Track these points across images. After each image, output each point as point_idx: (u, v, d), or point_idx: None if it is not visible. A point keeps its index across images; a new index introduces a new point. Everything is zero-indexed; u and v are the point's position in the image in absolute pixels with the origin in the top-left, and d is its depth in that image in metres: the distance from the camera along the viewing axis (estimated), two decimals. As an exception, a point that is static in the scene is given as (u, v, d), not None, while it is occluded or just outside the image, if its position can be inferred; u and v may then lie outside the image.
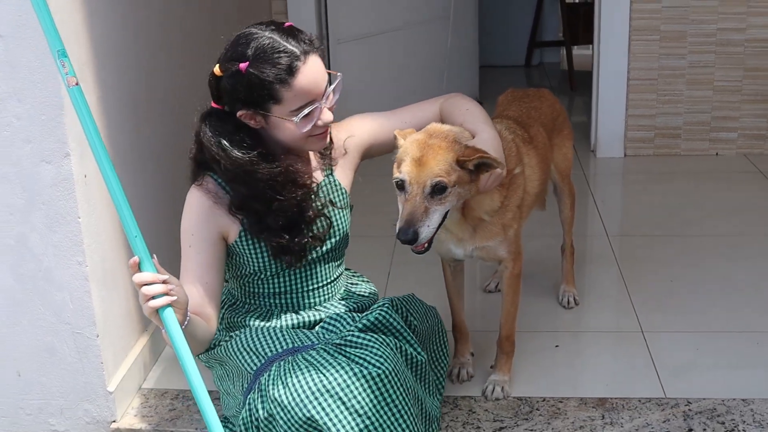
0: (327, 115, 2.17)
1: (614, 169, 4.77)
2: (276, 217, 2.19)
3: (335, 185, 2.39)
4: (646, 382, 2.63)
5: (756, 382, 2.62)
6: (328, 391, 2.00)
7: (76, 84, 1.79)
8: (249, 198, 2.17)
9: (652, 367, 2.71)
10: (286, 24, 2.17)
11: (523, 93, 2.92)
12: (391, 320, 2.24)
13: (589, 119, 5.03)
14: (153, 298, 1.89)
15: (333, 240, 2.37)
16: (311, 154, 2.36)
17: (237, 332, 2.30)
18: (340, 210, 2.38)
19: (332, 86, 2.19)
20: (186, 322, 2.00)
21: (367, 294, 2.55)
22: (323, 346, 2.13)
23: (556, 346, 2.88)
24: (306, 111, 2.12)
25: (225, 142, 2.13)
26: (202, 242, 2.20)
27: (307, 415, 1.98)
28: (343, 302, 2.45)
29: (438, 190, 2.14)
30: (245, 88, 2.09)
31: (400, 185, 2.18)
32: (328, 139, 2.30)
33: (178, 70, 3.11)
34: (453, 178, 2.15)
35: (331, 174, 2.39)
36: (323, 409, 1.99)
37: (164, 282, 1.90)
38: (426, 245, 2.18)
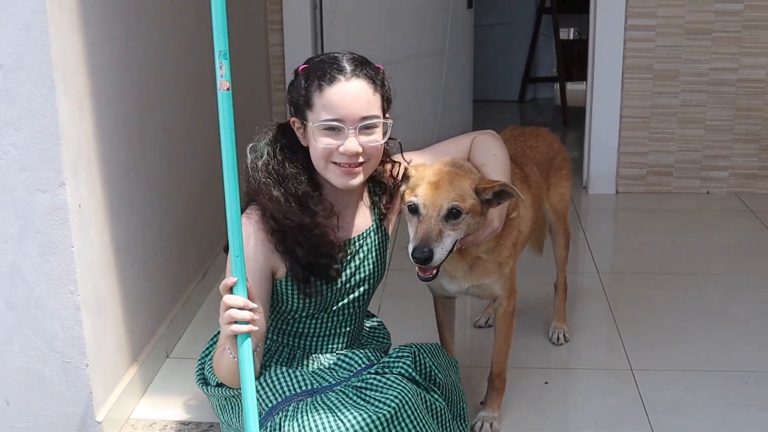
0: (351, 143, 2.05)
1: (606, 206, 4.80)
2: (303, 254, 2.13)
3: (382, 231, 2.33)
4: (636, 421, 2.63)
5: (746, 421, 2.63)
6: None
7: (228, 89, 1.75)
8: (278, 226, 2.11)
9: (641, 406, 2.71)
10: (377, 65, 2.20)
11: (520, 131, 2.94)
12: (410, 372, 2.17)
13: (582, 155, 5.07)
14: (236, 322, 1.88)
15: (365, 287, 2.32)
16: (366, 200, 2.31)
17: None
18: (381, 256, 2.33)
19: (370, 121, 2.10)
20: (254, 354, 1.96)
21: (375, 325, 2.53)
22: (342, 388, 2.10)
23: (546, 382, 2.88)
24: (327, 124, 2.05)
25: (267, 146, 2.14)
26: (256, 272, 2.10)
27: None
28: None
29: (453, 214, 2.14)
30: (296, 90, 2.11)
31: (414, 209, 2.18)
32: (357, 181, 2.13)
33: (174, 100, 3.13)
34: (468, 205, 2.16)
35: (379, 220, 2.33)
36: None
37: (251, 310, 1.89)
38: (435, 271, 2.17)
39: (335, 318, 2.30)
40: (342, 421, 1.97)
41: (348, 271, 2.25)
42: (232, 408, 2.24)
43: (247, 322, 1.88)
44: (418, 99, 5.65)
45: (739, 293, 3.56)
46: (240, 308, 1.87)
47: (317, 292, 2.20)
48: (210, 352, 2.36)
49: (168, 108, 3.07)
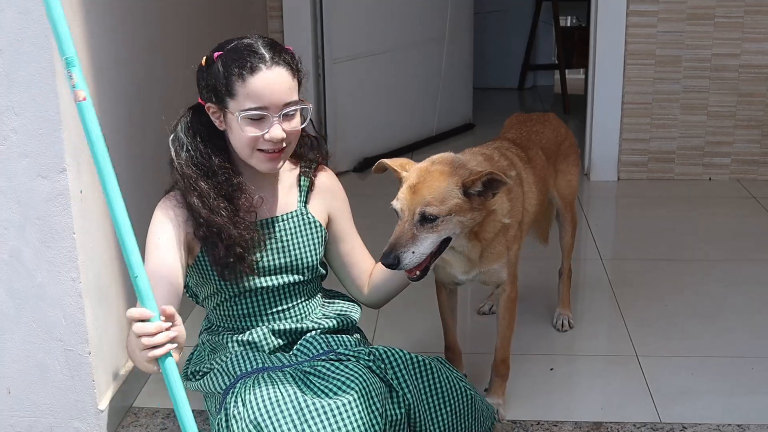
0: (276, 131, 2.09)
1: (608, 193, 4.78)
2: (209, 228, 2.12)
3: (307, 217, 2.31)
4: (641, 407, 2.62)
5: (752, 407, 2.62)
6: (278, 401, 1.92)
7: (84, 99, 1.59)
8: (197, 203, 2.12)
9: (647, 392, 2.70)
10: (287, 47, 2.19)
11: (527, 117, 2.93)
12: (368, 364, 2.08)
13: (583, 143, 5.04)
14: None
15: (294, 276, 2.28)
16: (286, 181, 2.31)
17: (219, 356, 2.24)
18: (309, 243, 2.30)
19: (292, 108, 2.12)
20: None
21: (346, 309, 2.44)
22: (291, 371, 2.05)
23: (551, 369, 2.86)
24: (252, 113, 2.07)
25: (186, 137, 2.15)
26: (172, 241, 2.12)
27: (255, 421, 1.90)
28: (325, 319, 2.34)
29: (427, 218, 2.13)
30: (213, 76, 2.10)
31: (395, 212, 2.19)
32: (280, 164, 2.18)
33: (177, 85, 3.11)
34: (447, 207, 2.14)
35: (305, 205, 2.32)
36: (270, 417, 1.90)
37: (168, 327, 1.78)
38: (418, 273, 2.19)
39: (267, 298, 2.27)
40: (281, 392, 1.94)
41: (268, 254, 2.24)
42: (207, 396, 2.24)
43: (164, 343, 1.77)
44: (418, 86, 5.64)
45: (742, 279, 3.55)
46: (153, 334, 1.75)
47: (234, 275, 2.19)
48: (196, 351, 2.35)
49: (170, 93, 3.04)
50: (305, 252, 2.29)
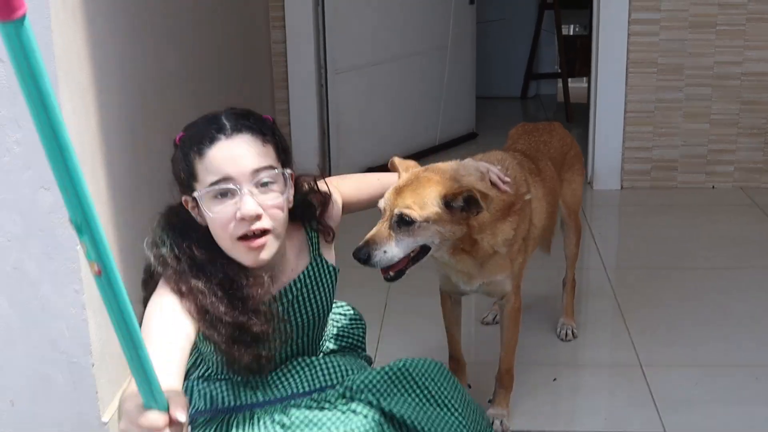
0: (249, 205, 1.73)
1: (611, 201, 4.78)
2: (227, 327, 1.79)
3: (323, 266, 2.04)
4: (646, 417, 2.62)
5: (756, 417, 2.61)
6: None
7: (98, 273, 1.15)
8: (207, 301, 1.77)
9: (651, 402, 2.69)
10: (264, 115, 1.89)
11: (533, 127, 2.93)
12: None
13: (586, 151, 5.04)
14: None
15: (310, 331, 2.06)
16: (295, 241, 2.00)
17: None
18: (326, 294, 2.05)
19: (265, 174, 1.76)
20: None
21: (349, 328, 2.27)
22: (267, 417, 1.88)
23: (554, 379, 2.86)
24: (216, 188, 1.74)
25: (168, 235, 1.83)
26: (177, 313, 1.76)
27: None
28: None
29: (403, 221, 2.13)
30: (176, 164, 1.82)
31: (381, 212, 2.20)
32: (267, 254, 1.81)
33: (178, 97, 3.11)
34: (427, 213, 2.13)
35: (318, 254, 2.03)
36: None
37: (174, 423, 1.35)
38: (391, 273, 2.19)
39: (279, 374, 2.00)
40: None
41: (287, 325, 1.95)
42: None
43: None
44: (421, 95, 5.64)
45: (746, 288, 3.54)
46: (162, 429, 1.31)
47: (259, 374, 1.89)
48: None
49: (171, 105, 3.05)
50: (324, 303, 2.06)
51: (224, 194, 1.74)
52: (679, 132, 4.79)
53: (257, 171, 1.75)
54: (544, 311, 3.31)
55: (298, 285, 1.98)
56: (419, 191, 2.15)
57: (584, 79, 7.12)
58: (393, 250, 2.14)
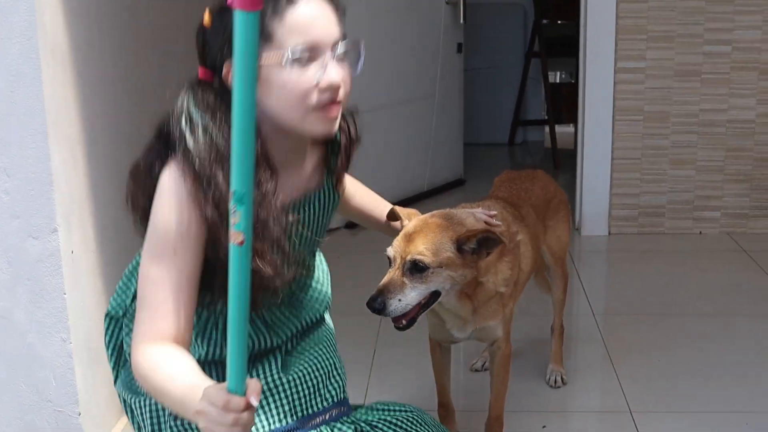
0: (333, 73, 1.62)
1: (599, 247, 4.80)
2: None
3: (331, 194, 1.89)
4: (636, 464, 2.61)
5: (746, 464, 2.60)
6: None
7: (242, 243, 1.26)
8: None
9: (642, 449, 2.69)
10: None
11: (516, 174, 2.95)
12: None
13: (573, 198, 5.07)
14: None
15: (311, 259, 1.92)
16: (308, 155, 1.82)
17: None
18: (327, 219, 1.90)
19: (344, 46, 1.65)
20: None
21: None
22: None
23: (544, 426, 2.85)
24: (301, 53, 1.57)
25: (202, 115, 1.63)
26: (191, 243, 1.63)
27: None
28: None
29: (417, 268, 2.13)
30: (226, 25, 1.53)
31: (388, 260, 2.19)
32: (338, 123, 1.72)
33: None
34: (439, 259, 2.14)
35: (331, 179, 1.89)
36: None
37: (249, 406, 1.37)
38: (404, 321, 2.16)
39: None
40: None
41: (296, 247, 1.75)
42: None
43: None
44: (408, 143, 5.67)
45: (735, 334, 3.54)
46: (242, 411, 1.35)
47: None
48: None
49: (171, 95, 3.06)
50: (321, 229, 1.90)
51: (309, 60, 1.60)
52: (666, 178, 4.83)
53: (338, 39, 1.64)
54: (532, 358, 3.30)
55: (308, 203, 1.82)
56: (430, 237, 2.16)
57: (572, 124, 7.19)
58: (407, 298, 2.13)
